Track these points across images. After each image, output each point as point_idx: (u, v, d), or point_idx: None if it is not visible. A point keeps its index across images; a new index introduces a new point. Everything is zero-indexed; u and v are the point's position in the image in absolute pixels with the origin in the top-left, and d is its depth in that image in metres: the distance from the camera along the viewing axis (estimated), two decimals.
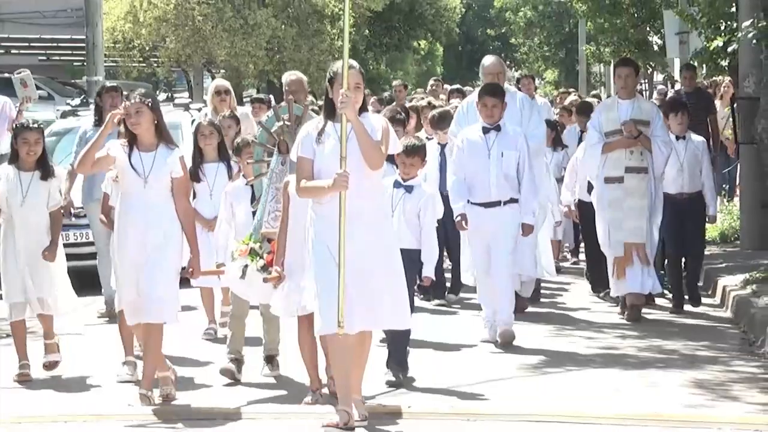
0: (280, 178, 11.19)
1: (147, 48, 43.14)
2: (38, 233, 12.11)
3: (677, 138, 14.86)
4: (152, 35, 42.73)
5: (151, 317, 10.75)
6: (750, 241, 19.63)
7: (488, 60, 14.84)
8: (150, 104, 10.79)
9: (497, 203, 13.18)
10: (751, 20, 17.54)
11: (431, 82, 27.74)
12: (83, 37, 27.24)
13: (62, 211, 14.21)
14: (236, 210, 12.22)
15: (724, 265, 16.14)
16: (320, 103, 18.65)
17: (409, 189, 11.95)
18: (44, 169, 12.15)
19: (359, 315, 9.84)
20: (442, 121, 15.61)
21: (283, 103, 12.15)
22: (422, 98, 20.78)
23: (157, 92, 35.99)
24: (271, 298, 11.05)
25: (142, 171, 10.73)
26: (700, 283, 16.45)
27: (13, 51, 43.15)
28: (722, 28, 24.06)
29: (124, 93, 12.66)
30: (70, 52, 43.54)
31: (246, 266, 11.06)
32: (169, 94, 38.80)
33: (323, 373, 11.24)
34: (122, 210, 10.93)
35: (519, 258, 13.78)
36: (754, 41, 17.51)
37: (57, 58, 44.92)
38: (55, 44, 44.12)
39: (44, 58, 44.98)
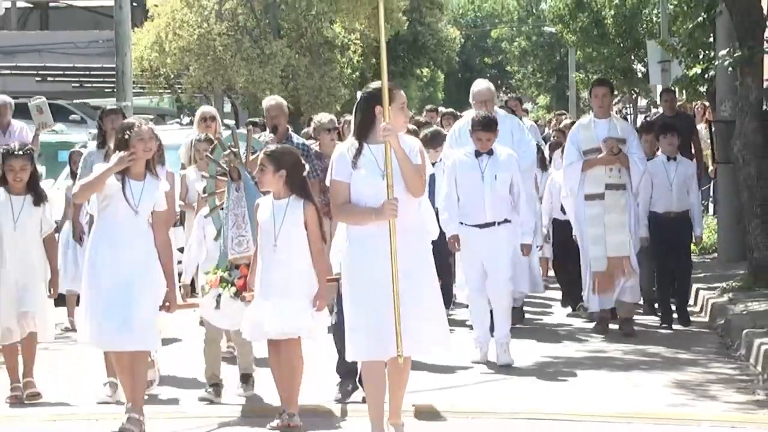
0: (237, 204, 10.62)
1: (172, 76, 43.17)
2: (30, 257, 11.16)
3: (668, 159, 14.59)
4: (177, 64, 42.77)
5: (137, 345, 9.78)
6: (727, 254, 19.61)
7: (478, 87, 14.43)
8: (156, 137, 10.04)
9: (492, 224, 12.51)
10: (727, 49, 17.55)
11: (427, 109, 26.96)
12: (113, 65, 27.25)
13: (76, 237, 14.35)
14: (207, 232, 11.27)
15: (702, 275, 16.15)
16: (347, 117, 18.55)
17: None
18: (36, 194, 11.19)
19: (407, 338, 8.79)
20: (434, 140, 15.07)
21: (226, 134, 11.71)
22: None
23: (181, 116, 35.91)
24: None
25: (134, 200, 9.77)
26: (691, 303, 16.20)
27: (49, 78, 43.13)
28: (701, 56, 24.09)
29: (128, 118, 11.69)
30: (101, 79, 43.40)
31: (219, 295, 10.45)
32: (192, 119, 38.79)
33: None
34: (104, 234, 9.86)
35: (519, 275, 13.48)
36: (730, 69, 17.52)
37: (89, 84, 44.85)
38: (87, 72, 44.07)
39: (78, 84, 44.95)
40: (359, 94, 9.52)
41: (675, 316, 15.15)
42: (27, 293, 11.06)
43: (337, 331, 10.20)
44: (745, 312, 14.96)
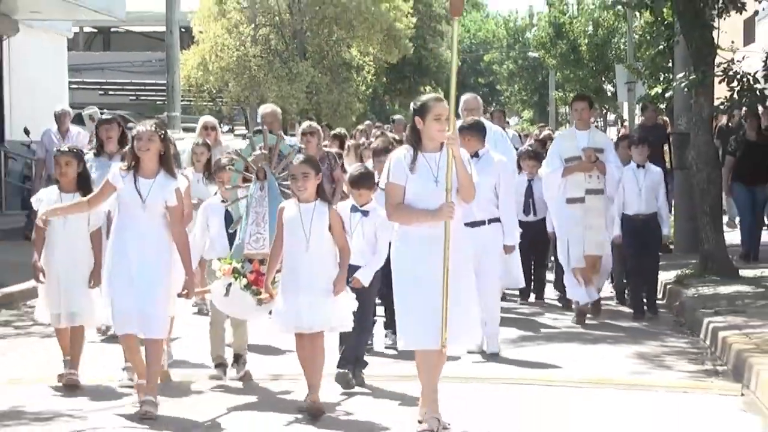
0: (260, 203, 9.93)
1: (214, 90, 43.26)
2: (77, 252, 10.40)
3: (638, 166, 14.12)
4: (218, 81, 42.83)
5: (150, 333, 9.15)
6: (682, 246, 19.53)
7: (466, 98, 13.78)
8: (162, 136, 9.24)
9: (481, 223, 11.56)
10: (684, 73, 17.48)
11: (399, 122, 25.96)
12: (164, 82, 27.27)
13: None
14: (210, 223, 10.64)
15: (661, 263, 16.07)
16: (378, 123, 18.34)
17: (365, 213, 10.24)
18: (84, 191, 10.28)
19: (453, 332, 8.30)
20: None
21: (257, 134, 10.83)
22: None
23: (221, 125, 36.01)
24: (250, 314, 10.09)
25: (143, 196, 9.13)
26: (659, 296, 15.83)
27: (110, 92, 43.16)
28: (661, 78, 24.07)
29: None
30: (154, 93, 43.37)
31: (230, 284, 9.75)
32: (231, 127, 38.66)
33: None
34: (120, 228, 9.30)
35: (513, 270, 13.01)
36: (686, 89, 17.46)
37: (144, 98, 44.85)
38: (142, 87, 44.10)
39: (134, 98, 44.95)
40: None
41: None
42: (75, 289, 10.37)
43: None
44: (696, 295, 14.94)
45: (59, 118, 20.06)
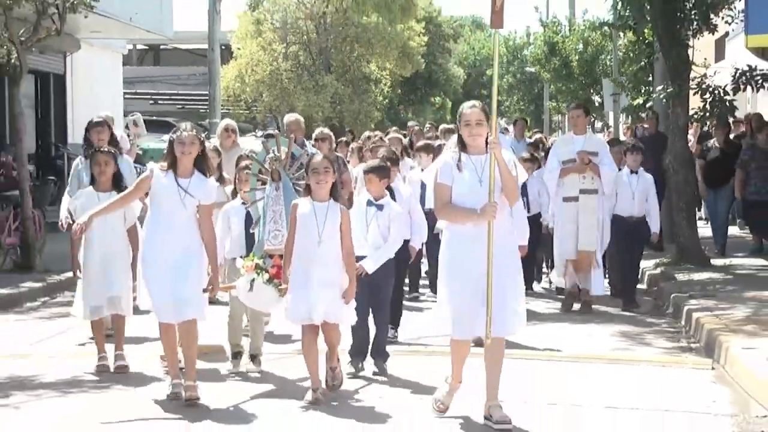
0: (276, 202, 9.36)
1: (250, 100, 43.22)
2: (114, 245, 9.90)
3: (632, 172, 13.70)
4: (253, 92, 42.81)
5: (186, 315, 8.56)
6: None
7: (468, 105, 13.16)
8: (201, 140, 8.74)
9: None
10: (662, 86, 17.46)
11: (427, 126, 25.64)
12: (207, 92, 27.37)
13: None
14: (232, 224, 10.09)
15: (643, 253, 16.06)
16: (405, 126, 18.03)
17: (380, 207, 9.79)
18: (120, 190, 9.75)
19: (499, 322, 7.71)
20: (425, 149, 13.94)
21: (269, 138, 10.24)
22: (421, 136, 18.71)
23: (256, 130, 35.94)
24: (274, 306, 9.38)
25: (181, 194, 8.53)
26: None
27: (159, 102, 43.16)
28: (642, 91, 24.11)
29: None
30: (198, 102, 43.31)
31: (253, 280, 9.11)
32: (264, 132, 38.76)
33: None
34: (155, 223, 8.68)
35: None
36: (664, 100, 17.46)
37: (189, 106, 44.84)
38: (187, 97, 44.12)
39: (180, 107, 44.90)
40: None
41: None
42: (114, 279, 9.90)
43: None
44: (673, 281, 14.96)
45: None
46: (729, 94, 17.21)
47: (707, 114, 17.56)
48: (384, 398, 8.91)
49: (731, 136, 19.14)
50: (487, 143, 7.76)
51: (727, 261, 16.82)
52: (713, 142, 18.15)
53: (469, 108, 7.91)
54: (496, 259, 7.64)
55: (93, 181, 10.22)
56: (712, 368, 10.18)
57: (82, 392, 9.26)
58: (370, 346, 9.92)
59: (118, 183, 10.06)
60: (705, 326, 11.44)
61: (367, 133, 20.70)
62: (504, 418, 7.72)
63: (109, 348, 10.08)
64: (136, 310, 10.06)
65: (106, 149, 10.37)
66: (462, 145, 7.90)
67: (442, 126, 20.34)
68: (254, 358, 9.98)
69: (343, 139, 20.53)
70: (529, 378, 9.71)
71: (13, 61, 18.74)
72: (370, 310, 9.88)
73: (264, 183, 9.69)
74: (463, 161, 7.83)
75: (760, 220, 16.72)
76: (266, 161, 9.59)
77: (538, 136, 24.87)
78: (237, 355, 10.04)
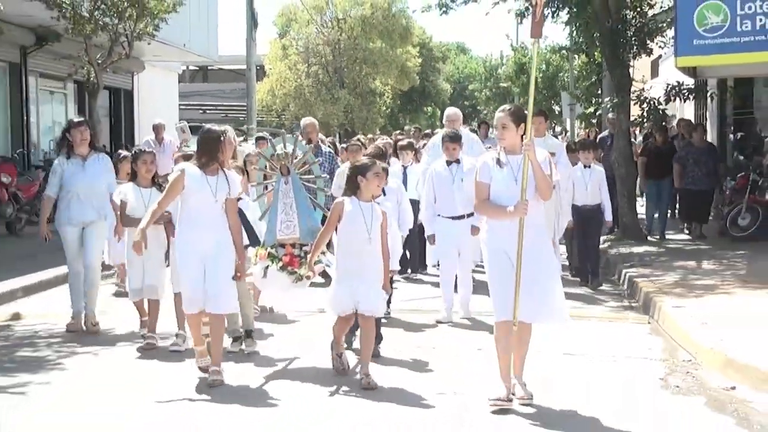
0: (286, 195, 8.24)
1: (279, 110, 43.37)
2: (154, 236, 8.57)
3: (585, 167, 12.83)
4: (282, 103, 42.98)
5: (219, 309, 7.56)
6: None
7: (448, 111, 12.73)
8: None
9: (462, 217, 10.12)
10: (609, 98, 17.51)
11: (412, 130, 23.66)
12: (245, 104, 27.30)
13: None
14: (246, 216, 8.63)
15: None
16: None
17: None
18: (159, 187, 8.97)
19: (527, 309, 6.82)
20: (405, 148, 13.03)
21: (276, 138, 9.15)
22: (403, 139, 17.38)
23: (284, 133, 36.20)
24: (288, 290, 8.29)
25: (212, 190, 7.47)
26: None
27: (207, 111, 43.13)
28: (593, 101, 24.05)
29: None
30: (238, 111, 43.29)
31: (267, 267, 8.16)
32: (291, 136, 38.84)
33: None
34: (189, 219, 7.53)
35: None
36: (611, 109, 17.48)
37: (231, 115, 44.77)
38: (230, 107, 44.08)
39: (224, 115, 44.84)
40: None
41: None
42: (153, 268, 8.93)
43: None
44: (617, 254, 14.95)
45: (156, 128, 18.67)
46: (662, 104, 17.24)
47: (644, 120, 17.61)
48: (394, 380, 7.66)
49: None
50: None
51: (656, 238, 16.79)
52: (652, 142, 18.10)
53: (498, 112, 7.04)
54: (528, 252, 6.78)
55: (134, 177, 9.14)
56: (648, 323, 10.19)
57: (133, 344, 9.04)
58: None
59: (155, 180, 9.20)
60: (642, 289, 11.45)
61: (370, 136, 20.56)
62: (530, 394, 7.00)
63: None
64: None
65: (149, 150, 9.38)
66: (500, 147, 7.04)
67: (427, 131, 20.59)
68: (249, 334, 8.75)
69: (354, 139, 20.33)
70: (487, 314, 9.42)
71: (92, 79, 18.81)
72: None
73: (266, 178, 8.54)
74: (503, 160, 6.95)
75: (694, 205, 16.65)
76: (274, 157, 8.43)
77: (493, 133, 24.76)
78: (237, 339, 8.77)
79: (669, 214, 17.91)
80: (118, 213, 9.19)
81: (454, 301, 10.38)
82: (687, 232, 17.06)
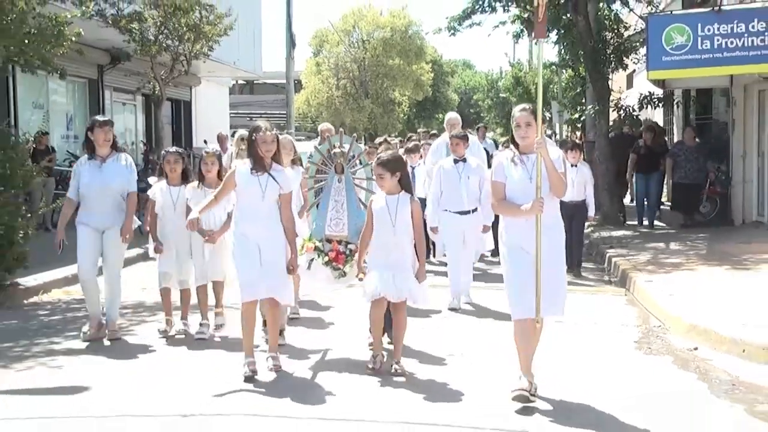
0: (338, 192, 7.37)
1: (314, 117, 43.44)
2: (184, 231, 7.47)
3: (572, 165, 11.93)
4: (315, 111, 43.00)
5: (282, 300, 6.75)
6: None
7: (449, 116, 12.30)
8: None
9: (468, 211, 9.40)
10: (591, 106, 17.48)
11: (421, 132, 24.34)
12: (284, 112, 27.38)
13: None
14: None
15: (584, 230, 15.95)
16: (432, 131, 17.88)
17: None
18: (188, 183, 8.16)
19: (545, 303, 5.96)
20: (412, 150, 12.56)
21: (322, 143, 8.27)
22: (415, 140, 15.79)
23: (317, 136, 36.35)
24: (330, 284, 7.52)
25: (261, 187, 6.63)
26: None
27: (253, 119, 43.16)
28: (578, 109, 23.95)
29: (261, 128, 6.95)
30: (279, 119, 43.47)
31: (312, 260, 7.34)
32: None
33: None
34: (242, 214, 6.69)
35: (486, 240, 9.95)
36: (593, 115, 17.44)
37: (273, 122, 44.75)
38: (272, 116, 44.05)
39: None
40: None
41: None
42: (184, 262, 8.10)
43: None
44: (599, 237, 14.94)
45: (220, 139, 18.76)
46: (635, 111, 17.19)
47: (621, 124, 17.57)
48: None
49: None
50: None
51: (635, 222, 16.74)
52: (642, 142, 17.75)
53: (519, 111, 6.05)
54: (544, 249, 5.92)
55: (166, 176, 8.19)
56: (625, 295, 10.21)
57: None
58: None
59: (186, 177, 8.19)
60: (620, 266, 11.46)
61: (379, 139, 20.36)
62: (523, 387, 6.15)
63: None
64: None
65: (174, 150, 8.35)
66: (516, 145, 6.09)
67: (434, 131, 20.63)
68: (280, 332, 7.58)
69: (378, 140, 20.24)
70: (486, 301, 9.45)
71: (156, 92, 18.92)
72: None
73: (318, 172, 7.68)
74: (516, 160, 6.04)
75: (686, 198, 16.44)
76: (330, 155, 7.57)
77: (491, 135, 24.80)
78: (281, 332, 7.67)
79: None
80: (148, 210, 8.25)
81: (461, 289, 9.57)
82: (687, 223, 16.51)
